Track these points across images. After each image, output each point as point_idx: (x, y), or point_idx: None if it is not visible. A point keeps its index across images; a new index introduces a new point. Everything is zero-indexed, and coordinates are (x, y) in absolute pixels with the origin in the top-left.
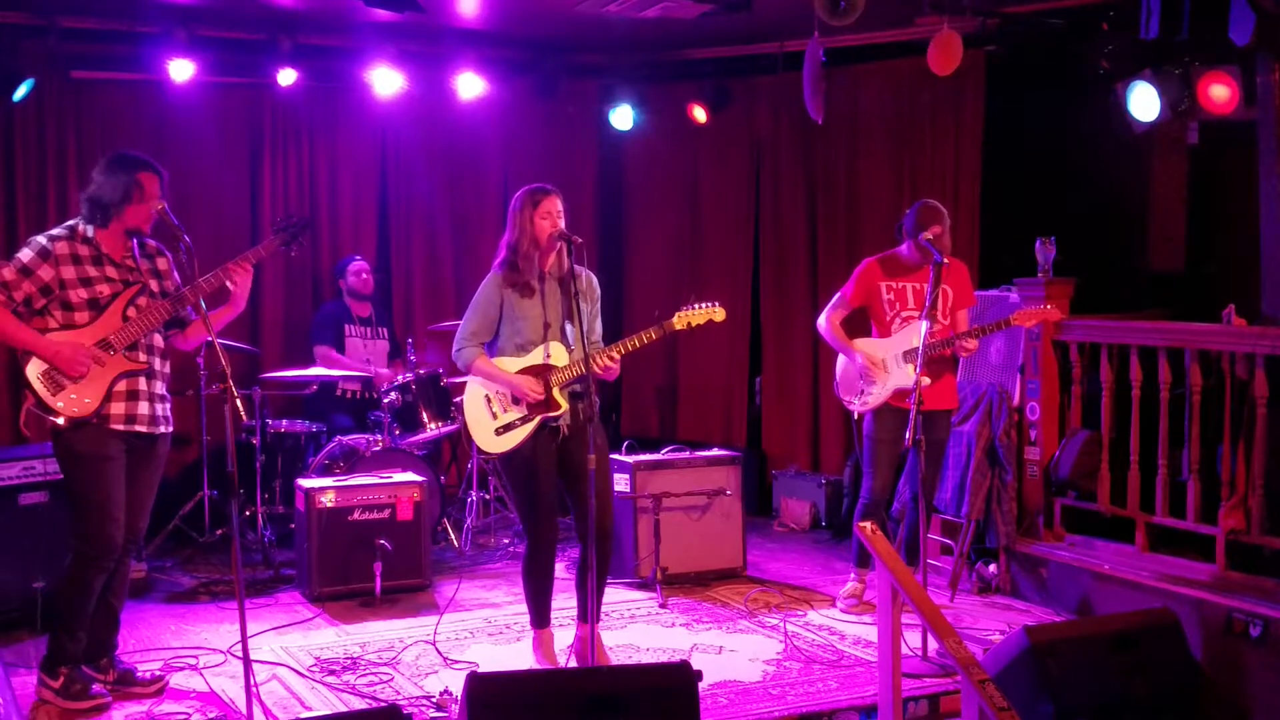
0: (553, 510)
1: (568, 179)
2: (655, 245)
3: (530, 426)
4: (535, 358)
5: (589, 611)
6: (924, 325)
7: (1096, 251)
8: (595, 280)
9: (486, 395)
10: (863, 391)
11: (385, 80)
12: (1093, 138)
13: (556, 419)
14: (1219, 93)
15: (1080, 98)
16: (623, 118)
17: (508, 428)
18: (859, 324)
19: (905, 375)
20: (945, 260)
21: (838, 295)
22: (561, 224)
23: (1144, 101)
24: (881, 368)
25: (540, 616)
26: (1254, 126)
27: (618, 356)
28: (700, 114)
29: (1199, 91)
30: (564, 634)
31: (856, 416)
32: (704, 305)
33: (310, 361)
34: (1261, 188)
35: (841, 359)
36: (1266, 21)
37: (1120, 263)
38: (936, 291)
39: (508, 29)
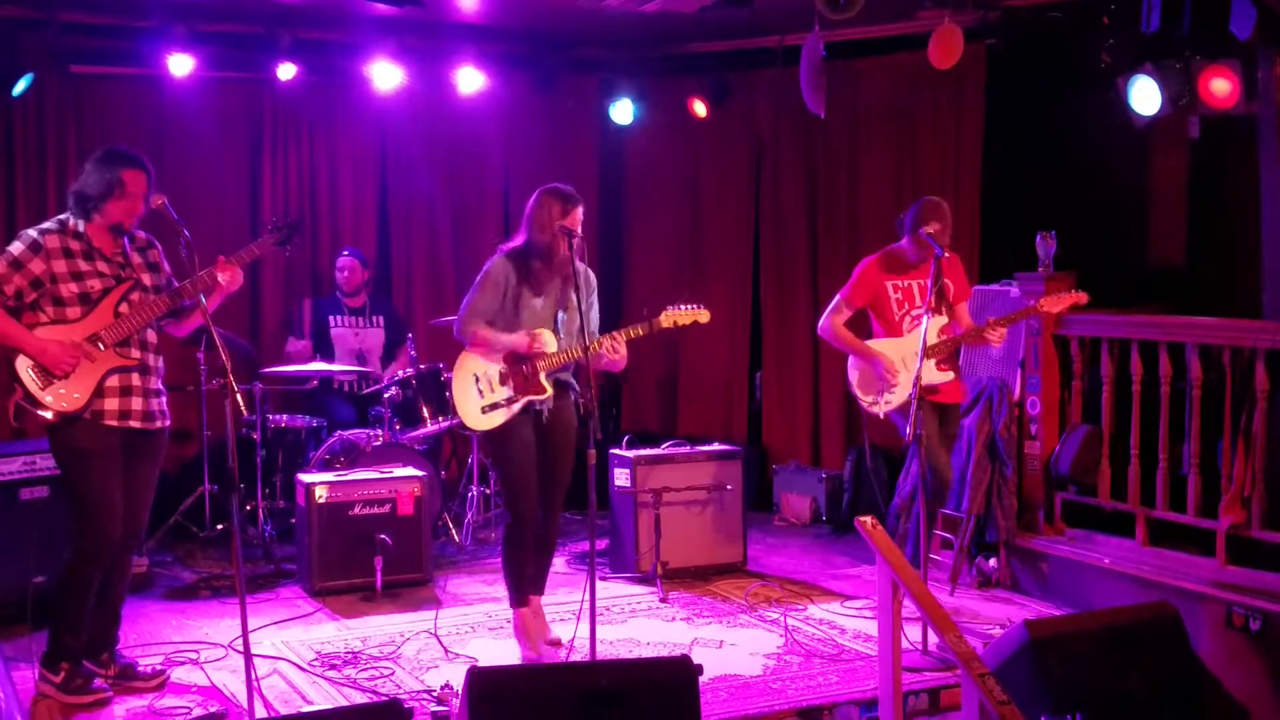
0: (532, 488)
1: (568, 173)
2: (655, 240)
3: (516, 407)
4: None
5: (540, 584)
6: (936, 320)
7: (1097, 245)
8: (592, 275)
9: (475, 375)
10: (882, 392)
11: (385, 75)
12: (1093, 132)
13: (542, 402)
14: (1220, 87)
15: (1081, 92)
16: (623, 112)
17: (494, 407)
18: (857, 324)
19: (928, 370)
20: (946, 254)
21: (838, 298)
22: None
23: (1145, 95)
24: (903, 368)
25: (520, 595)
26: (1255, 120)
27: (623, 340)
28: (700, 108)
29: (1200, 85)
30: (563, 628)
31: (883, 416)
32: (690, 307)
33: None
34: (1263, 181)
35: (852, 359)
36: (1267, 15)
37: (1121, 257)
38: (939, 285)
39: (507, 23)
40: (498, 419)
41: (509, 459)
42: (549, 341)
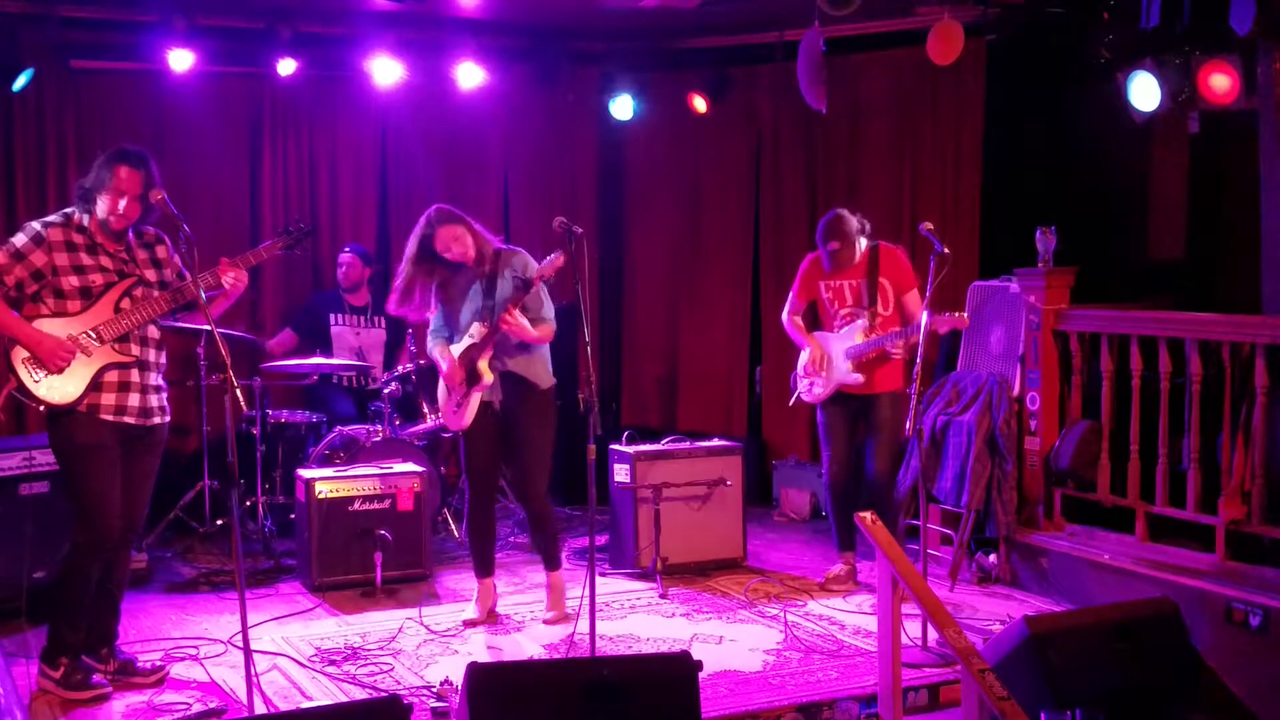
0: (484, 474)
1: (568, 167)
2: (656, 234)
3: (475, 400)
4: (464, 343)
5: (549, 560)
6: (859, 323)
7: (1097, 241)
8: (522, 261)
9: (442, 382)
10: (812, 385)
11: (385, 69)
12: (1093, 127)
13: (485, 388)
14: (1219, 82)
15: (1081, 87)
16: (623, 107)
17: (460, 405)
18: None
19: (847, 370)
20: (945, 250)
21: (790, 295)
22: (466, 250)
23: (1144, 91)
24: (824, 363)
25: (482, 567)
26: (1255, 116)
27: (511, 310)
28: (700, 103)
29: (1199, 81)
30: (563, 624)
31: (792, 403)
32: (551, 255)
33: (307, 352)
34: (1263, 177)
35: (802, 354)
36: (1267, 10)
37: (1121, 252)
38: (930, 276)
39: (507, 17)
40: (468, 416)
41: (467, 447)
42: (476, 331)
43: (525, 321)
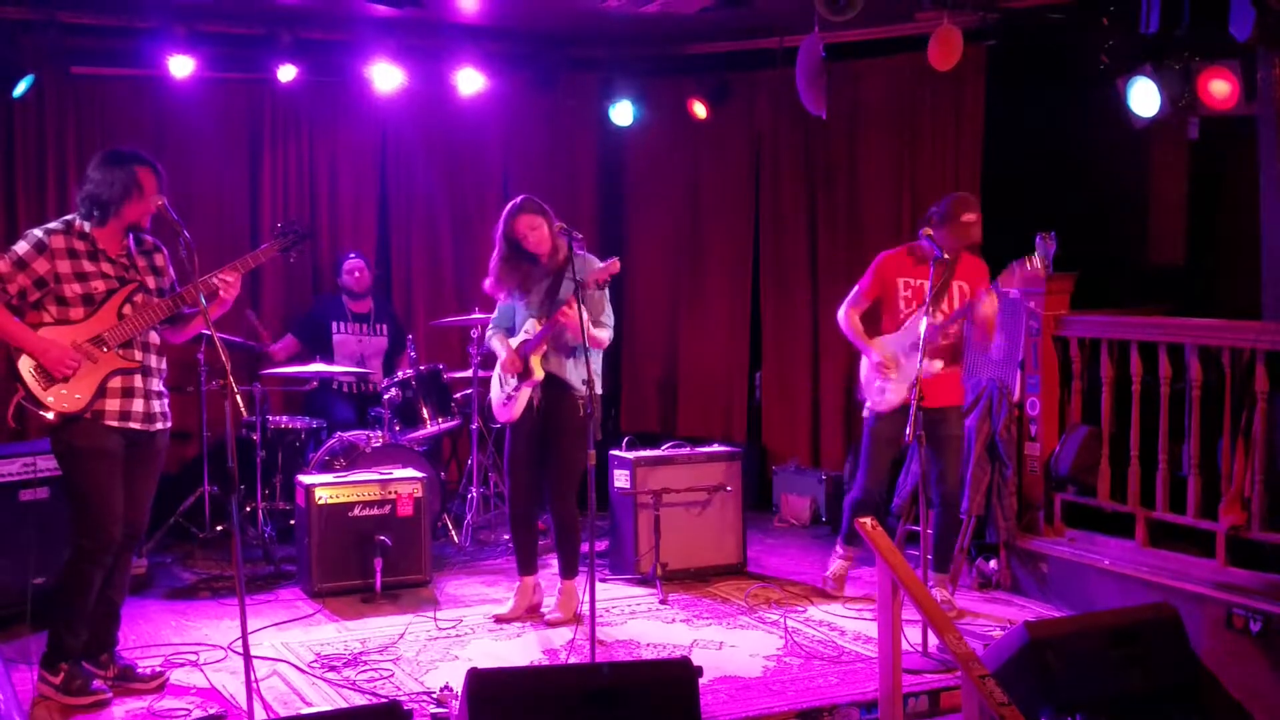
0: (521, 468)
1: (568, 173)
2: (655, 239)
3: (525, 393)
4: (520, 338)
5: (564, 567)
6: (923, 321)
7: (1097, 246)
8: (586, 263)
9: (496, 373)
10: (883, 391)
11: (385, 75)
12: (1093, 133)
13: (533, 383)
14: (1219, 88)
15: (1081, 93)
16: (623, 114)
17: (509, 397)
18: (872, 318)
19: (919, 361)
20: (945, 256)
21: (855, 289)
22: (541, 240)
23: (1144, 96)
24: (894, 365)
25: (522, 565)
26: (1254, 121)
27: (571, 302)
28: (700, 109)
29: (1199, 86)
30: (564, 630)
31: (864, 415)
32: (606, 261)
33: (308, 358)
34: (1262, 182)
35: (864, 360)
36: (1267, 16)
37: (1121, 257)
38: (943, 285)
39: (507, 23)
40: (518, 408)
41: (507, 450)
42: (532, 328)
43: (585, 318)
